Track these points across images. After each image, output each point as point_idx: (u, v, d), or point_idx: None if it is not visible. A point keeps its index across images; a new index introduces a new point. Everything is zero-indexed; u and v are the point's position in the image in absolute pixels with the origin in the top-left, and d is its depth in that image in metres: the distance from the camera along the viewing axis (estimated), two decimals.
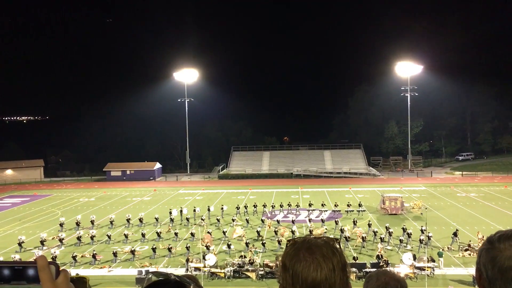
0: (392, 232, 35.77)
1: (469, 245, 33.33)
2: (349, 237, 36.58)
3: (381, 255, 30.72)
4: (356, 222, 39.34)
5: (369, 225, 38.34)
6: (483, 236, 33.47)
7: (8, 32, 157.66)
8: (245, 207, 48.29)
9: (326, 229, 39.74)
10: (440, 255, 30.31)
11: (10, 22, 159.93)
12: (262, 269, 29.86)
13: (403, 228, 36.41)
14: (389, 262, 29.72)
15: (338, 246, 1.92)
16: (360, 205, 48.15)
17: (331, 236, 2.02)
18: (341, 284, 1.84)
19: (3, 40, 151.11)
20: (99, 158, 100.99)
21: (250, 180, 79.52)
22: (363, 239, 34.59)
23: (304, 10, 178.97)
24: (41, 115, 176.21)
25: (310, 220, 41.38)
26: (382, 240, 33.97)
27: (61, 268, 1.60)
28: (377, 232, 36.34)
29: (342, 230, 37.30)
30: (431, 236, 34.80)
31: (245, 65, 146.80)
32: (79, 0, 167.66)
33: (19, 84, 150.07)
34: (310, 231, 38.16)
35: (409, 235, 35.13)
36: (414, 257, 29.77)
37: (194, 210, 47.25)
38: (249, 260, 30.44)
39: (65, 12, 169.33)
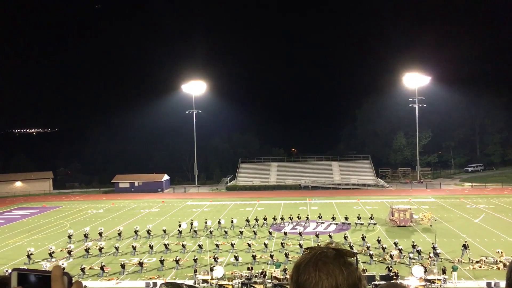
0: (402, 250, 35.24)
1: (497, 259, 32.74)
2: (358, 252, 36.08)
3: (391, 267, 30.43)
4: (365, 238, 38.65)
5: (379, 241, 37.63)
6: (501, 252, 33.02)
7: (18, 46, 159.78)
8: (256, 220, 48.18)
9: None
10: (454, 269, 29.88)
11: (19, 36, 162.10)
12: (270, 281, 29.67)
13: (413, 246, 35.61)
14: (399, 274, 29.43)
15: (351, 262, 1.89)
16: (371, 218, 47.54)
17: (349, 249, 1.98)
18: None
19: (13, 54, 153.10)
20: (107, 170, 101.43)
21: (258, 191, 79.42)
22: (371, 256, 34.07)
23: (312, 22, 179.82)
24: (50, 128, 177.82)
25: (317, 235, 40.92)
26: (392, 257, 33.49)
27: (74, 280, 1.64)
28: (386, 248, 35.88)
29: (351, 247, 36.67)
30: (439, 253, 34.19)
31: (252, 77, 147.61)
32: (87, 14, 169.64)
33: (28, 96, 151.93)
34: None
35: (419, 252, 34.50)
36: (425, 270, 29.46)
37: (206, 223, 47.26)
38: (262, 271, 30.20)
39: (75, 26, 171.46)
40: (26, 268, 1.74)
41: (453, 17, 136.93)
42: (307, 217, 49.53)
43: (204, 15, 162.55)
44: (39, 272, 1.66)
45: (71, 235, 43.19)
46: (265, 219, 48.77)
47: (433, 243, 35.12)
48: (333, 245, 1.97)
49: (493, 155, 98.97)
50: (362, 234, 39.89)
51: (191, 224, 46.38)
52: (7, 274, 1.85)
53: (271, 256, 34.46)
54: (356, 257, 1.95)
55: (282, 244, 38.03)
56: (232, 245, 38.43)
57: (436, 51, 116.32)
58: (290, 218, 49.49)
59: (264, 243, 38.35)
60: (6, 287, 1.67)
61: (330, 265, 1.85)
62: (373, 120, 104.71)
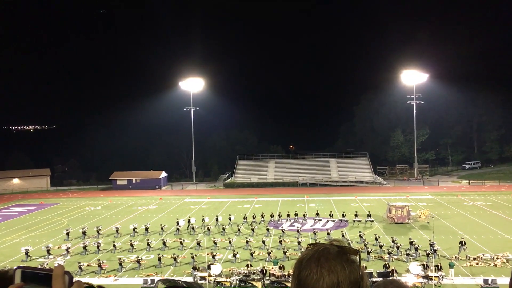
0: (399, 246, 35.33)
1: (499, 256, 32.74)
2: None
3: (388, 264, 30.52)
4: (363, 235, 38.68)
5: (376, 239, 37.71)
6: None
7: (16, 42, 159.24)
8: (253, 217, 48.23)
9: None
10: (451, 266, 29.99)
11: (18, 32, 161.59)
12: (268, 278, 29.71)
13: (410, 243, 35.75)
14: (396, 271, 29.48)
15: (353, 259, 1.88)
16: (369, 215, 47.63)
17: (352, 247, 1.98)
18: None
19: (11, 51, 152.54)
20: (105, 167, 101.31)
21: (256, 188, 79.51)
22: (368, 253, 34.16)
23: (310, 19, 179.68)
24: (47, 124, 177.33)
25: (315, 233, 41.00)
26: (390, 254, 33.60)
27: (75, 279, 1.67)
28: (383, 246, 35.97)
29: (349, 244, 36.61)
30: (436, 250, 34.20)
31: (250, 74, 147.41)
32: (85, 12, 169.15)
33: (26, 93, 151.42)
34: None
35: (416, 249, 34.59)
36: (423, 266, 29.54)
37: (203, 220, 47.25)
38: (262, 269, 30.19)
39: (72, 23, 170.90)
40: (29, 266, 1.78)
41: (451, 15, 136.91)
42: (304, 214, 49.60)
43: (202, 12, 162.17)
44: (41, 270, 1.69)
45: (68, 232, 43.19)
46: (262, 216, 48.83)
47: (430, 240, 35.22)
48: (337, 242, 1.97)
49: (490, 152, 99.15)
50: (360, 231, 39.95)
51: (189, 221, 46.39)
52: (6, 269, 1.89)
53: (269, 253, 34.54)
54: (359, 255, 1.95)
55: (280, 241, 38.08)
56: (230, 242, 38.47)
57: (434, 49, 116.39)
58: (288, 215, 49.54)
59: (263, 241, 38.41)
60: (6, 282, 1.71)
61: (332, 262, 1.85)
62: (371, 117, 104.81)
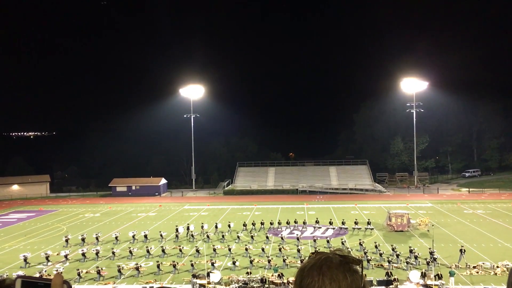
0: (399, 254, 35.22)
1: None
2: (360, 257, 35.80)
3: (391, 273, 30.39)
4: (363, 243, 38.50)
5: (376, 247, 37.61)
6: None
7: (15, 48, 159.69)
8: (253, 224, 48.11)
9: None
10: (451, 274, 29.88)
11: (17, 38, 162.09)
12: (267, 286, 29.59)
13: (410, 250, 35.63)
14: (398, 279, 29.34)
15: (356, 269, 1.89)
16: (368, 223, 47.48)
17: (355, 256, 1.99)
18: None
19: (11, 56, 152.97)
20: (104, 173, 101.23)
21: (256, 196, 79.37)
22: (368, 261, 34.06)
23: (310, 27, 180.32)
24: (47, 131, 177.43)
25: (315, 240, 40.90)
26: (389, 262, 33.47)
27: None
28: (383, 254, 35.86)
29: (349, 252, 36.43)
30: (436, 258, 34.04)
31: (250, 81, 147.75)
32: (86, 18, 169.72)
33: (26, 99, 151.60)
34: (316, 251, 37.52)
35: (416, 257, 34.48)
36: (422, 275, 29.44)
37: (202, 227, 47.11)
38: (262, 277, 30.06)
39: (73, 29, 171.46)
40: (29, 275, 1.82)
41: (451, 23, 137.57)
42: (304, 222, 49.49)
43: (202, 20, 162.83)
44: (41, 280, 1.74)
45: (68, 239, 43.06)
46: (262, 223, 48.71)
47: (430, 248, 35.11)
48: (339, 251, 1.98)
49: (490, 160, 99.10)
50: (360, 239, 39.83)
51: (188, 228, 46.26)
52: (5, 276, 1.94)
53: (268, 261, 34.42)
54: (362, 265, 1.97)
55: (280, 249, 37.96)
56: (230, 249, 38.37)
57: (433, 57, 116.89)
58: (287, 223, 49.42)
59: (262, 248, 38.29)
60: None
61: (334, 271, 1.86)
62: (371, 125, 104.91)
